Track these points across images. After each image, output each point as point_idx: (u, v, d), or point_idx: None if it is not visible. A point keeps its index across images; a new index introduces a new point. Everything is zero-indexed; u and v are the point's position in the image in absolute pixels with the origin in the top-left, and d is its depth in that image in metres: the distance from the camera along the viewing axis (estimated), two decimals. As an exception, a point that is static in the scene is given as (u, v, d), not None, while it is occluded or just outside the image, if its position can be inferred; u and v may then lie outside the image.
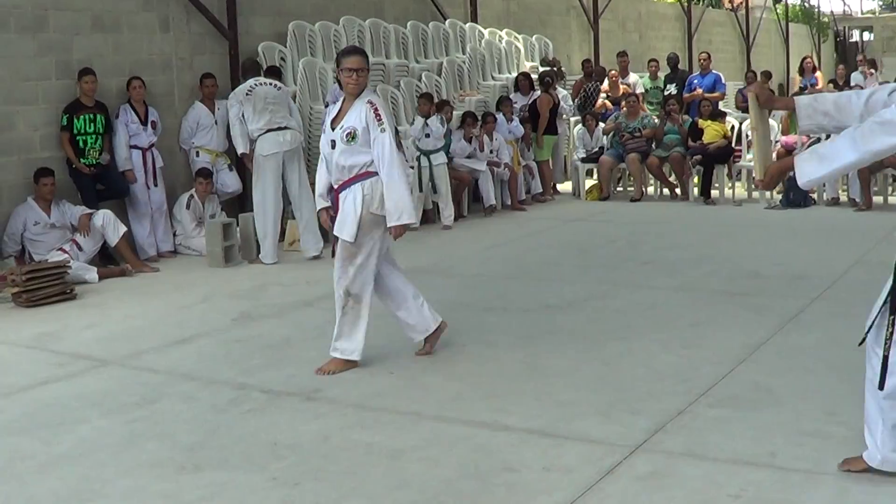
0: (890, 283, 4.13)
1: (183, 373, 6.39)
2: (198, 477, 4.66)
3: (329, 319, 7.57)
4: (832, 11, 39.60)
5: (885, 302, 4.14)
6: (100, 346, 7.22)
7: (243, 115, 10.31)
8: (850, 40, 41.66)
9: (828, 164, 4.09)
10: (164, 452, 4.95)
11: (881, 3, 50.62)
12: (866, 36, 41.53)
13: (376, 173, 6.20)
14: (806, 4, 37.45)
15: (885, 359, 4.11)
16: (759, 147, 4.51)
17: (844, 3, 41.63)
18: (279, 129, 10.29)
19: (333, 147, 6.29)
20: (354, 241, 6.21)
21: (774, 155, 14.15)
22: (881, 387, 4.14)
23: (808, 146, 13.35)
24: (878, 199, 13.18)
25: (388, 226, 6.24)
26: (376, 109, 6.20)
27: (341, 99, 6.46)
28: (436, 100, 13.13)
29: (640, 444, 4.85)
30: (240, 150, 10.53)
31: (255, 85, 10.39)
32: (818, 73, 18.84)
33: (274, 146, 10.21)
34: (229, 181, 11.58)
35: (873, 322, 4.20)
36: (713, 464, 4.62)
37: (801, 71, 18.81)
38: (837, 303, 7.70)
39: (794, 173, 4.18)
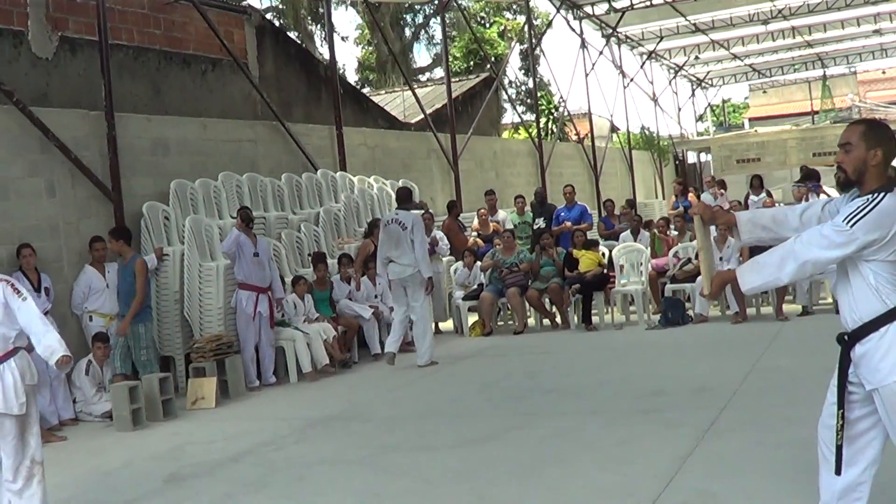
0: (835, 379, 4.48)
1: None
2: None
3: (261, 473, 7.62)
4: (670, 135, 41.48)
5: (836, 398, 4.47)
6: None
7: None
8: (689, 162, 43.68)
9: (768, 273, 4.48)
10: None
11: (713, 124, 53.36)
12: (703, 157, 43.53)
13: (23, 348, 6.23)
14: (647, 131, 39.16)
15: (839, 448, 4.43)
16: (706, 263, 4.89)
17: (681, 127, 43.63)
18: None
19: None
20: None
21: (646, 276, 14.80)
22: (838, 472, 4.45)
23: (680, 266, 14.04)
24: (751, 311, 13.81)
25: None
26: (12, 285, 6.26)
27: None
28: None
29: (611, 559, 5.03)
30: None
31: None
32: (691, 195, 20.10)
33: None
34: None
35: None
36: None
37: (676, 194, 20.08)
38: (745, 409, 8.08)
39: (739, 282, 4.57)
